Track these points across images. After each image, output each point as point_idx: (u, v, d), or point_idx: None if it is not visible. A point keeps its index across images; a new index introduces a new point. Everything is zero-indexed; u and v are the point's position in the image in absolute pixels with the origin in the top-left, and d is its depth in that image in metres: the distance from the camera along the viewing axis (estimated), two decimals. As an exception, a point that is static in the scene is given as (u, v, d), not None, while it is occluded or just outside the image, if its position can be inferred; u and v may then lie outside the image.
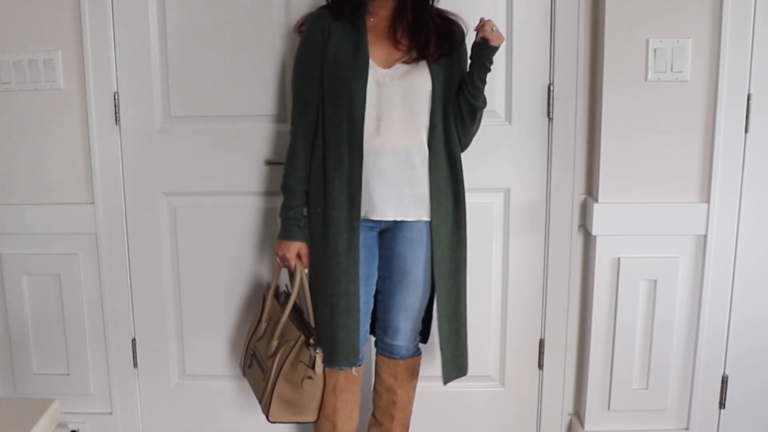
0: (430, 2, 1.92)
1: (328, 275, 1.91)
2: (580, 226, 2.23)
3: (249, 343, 2.09)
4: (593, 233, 2.15)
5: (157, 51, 2.14)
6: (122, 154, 2.20)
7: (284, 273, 2.06)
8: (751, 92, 2.06)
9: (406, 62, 1.88)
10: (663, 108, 2.08)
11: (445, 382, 1.99)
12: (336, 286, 1.90)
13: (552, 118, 2.16)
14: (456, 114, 1.94)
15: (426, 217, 1.93)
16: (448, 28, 1.92)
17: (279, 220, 2.00)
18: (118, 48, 2.14)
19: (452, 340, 1.99)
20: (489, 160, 2.19)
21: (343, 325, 1.91)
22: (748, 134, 2.09)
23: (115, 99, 2.17)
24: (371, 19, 1.91)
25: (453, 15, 1.94)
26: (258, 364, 2.03)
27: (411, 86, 1.87)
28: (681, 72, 2.05)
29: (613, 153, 2.11)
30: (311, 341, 1.94)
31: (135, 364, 2.34)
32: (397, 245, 1.95)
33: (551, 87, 2.15)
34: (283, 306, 2.01)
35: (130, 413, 2.36)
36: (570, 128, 2.16)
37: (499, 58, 2.13)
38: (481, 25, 1.87)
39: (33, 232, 2.23)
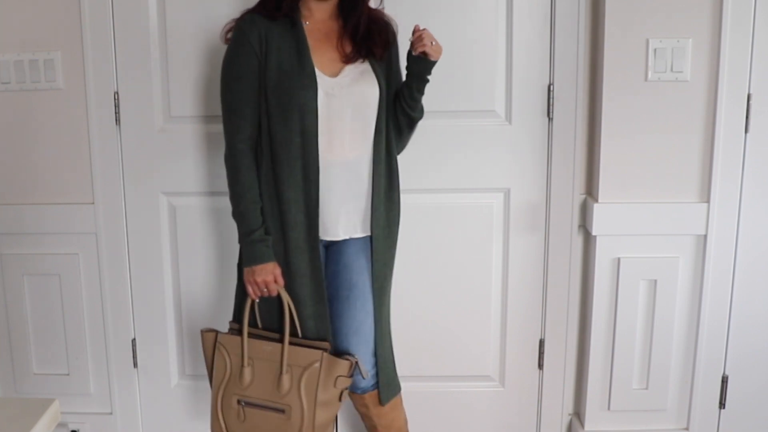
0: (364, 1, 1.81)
1: (294, 298, 1.81)
2: (580, 226, 2.23)
3: (223, 396, 1.86)
4: (593, 233, 2.15)
5: (157, 51, 2.14)
6: (122, 154, 2.20)
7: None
8: (751, 92, 2.06)
9: (354, 65, 1.79)
10: (663, 108, 2.08)
11: (384, 402, 1.90)
12: (304, 309, 1.82)
13: (552, 118, 2.16)
14: (393, 125, 1.87)
15: (369, 231, 1.85)
16: (378, 24, 1.83)
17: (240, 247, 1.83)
18: (118, 48, 2.14)
19: (390, 359, 1.93)
20: (489, 160, 2.19)
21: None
22: (748, 134, 2.09)
23: (115, 99, 2.17)
24: (307, 23, 1.79)
25: (379, 12, 1.85)
26: (264, 408, 1.83)
27: (361, 94, 1.79)
28: (681, 72, 2.05)
29: (613, 153, 2.11)
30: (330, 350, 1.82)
31: (135, 364, 2.33)
32: (343, 256, 1.86)
33: (551, 87, 2.15)
34: (257, 336, 1.85)
35: (130, 413, 2.36)
36: (570, 128, 2.16)
37: (499, 58, 2.14)
38: (419, 38, 1.75)
39: (33, 232, 2.23)
